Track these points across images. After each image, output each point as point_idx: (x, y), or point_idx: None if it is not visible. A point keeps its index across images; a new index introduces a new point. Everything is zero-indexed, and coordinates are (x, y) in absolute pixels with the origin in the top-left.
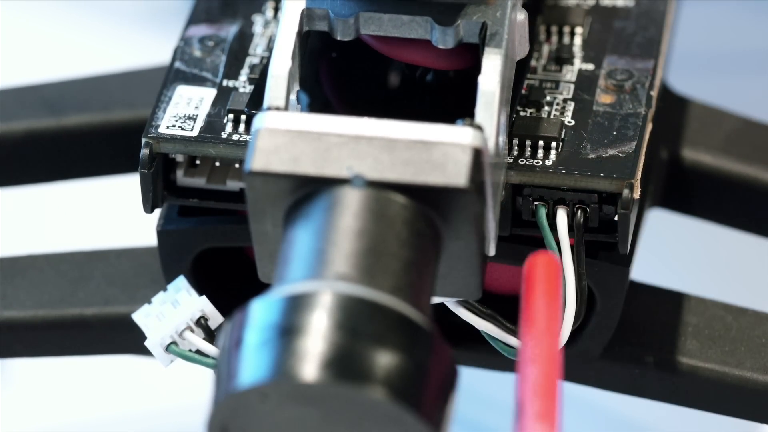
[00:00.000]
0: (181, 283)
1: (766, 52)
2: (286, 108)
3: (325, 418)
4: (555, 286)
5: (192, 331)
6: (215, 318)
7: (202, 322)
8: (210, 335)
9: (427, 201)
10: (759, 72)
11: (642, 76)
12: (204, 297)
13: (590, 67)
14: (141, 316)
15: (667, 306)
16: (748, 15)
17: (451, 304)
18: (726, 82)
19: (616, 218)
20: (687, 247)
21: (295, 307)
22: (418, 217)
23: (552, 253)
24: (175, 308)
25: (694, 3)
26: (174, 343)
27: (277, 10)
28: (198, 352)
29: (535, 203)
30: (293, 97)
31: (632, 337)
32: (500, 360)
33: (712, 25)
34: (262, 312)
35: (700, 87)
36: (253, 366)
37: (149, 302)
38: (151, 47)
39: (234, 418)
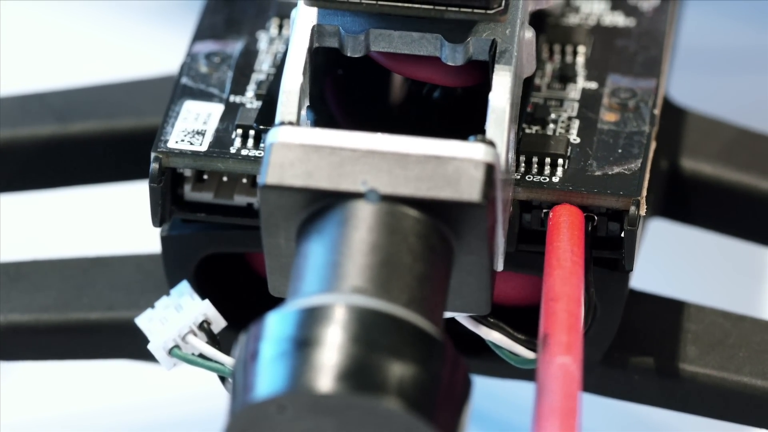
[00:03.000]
0: (184, 287)
1: (766, 52)
2: (298, 123)
3: (340, 430)
4: (579, 232)
5: (195, 335)
6: (218, 322)
7: (205, 326)
8: (213, 339)
9: (441, 215)
10: (759, 72)
11: (645, 95)
12: (207, 301)
13: (594, 85)
14: (144, 320)
15: (666, 313)
16: (748, 15)
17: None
18: (726, 82)
19: (622, 234)
20: (686, 256)
21: (311, 320)
22: (432, 232)
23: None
24: (178, 312)
25: (693, 3)
26: (177, 346)
27: (281, 27)
28: (201, 355)
29: (545, 212)
30: (304, 112)
31: (632, 343)
32: (503, 366)
33: (712, 25)
34: (277, 325)
35: (700, 87)
36: (269, 378)
37: (152, 307)
38: (157, 54)
39: (250, 430)
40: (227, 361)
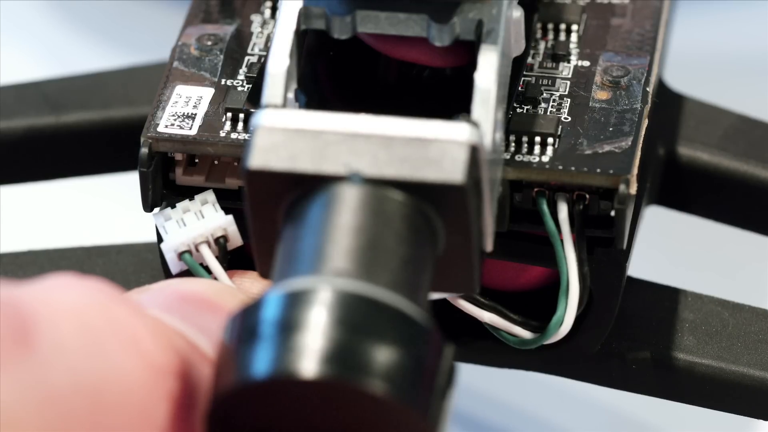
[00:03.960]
0: (209, 196)
1: (766, 52)
2: (284, 106)
3: (324, 413)
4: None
5: (209, 246)
6: (235, 241)
7: (220, 241)
8: (224, 256)
9: (425, 197)
10: (759, 72)
11: (638, 73)
12: (231, 216)
13: (586, 63)
14: (161, 218)
15: (664, 302)
16: (748, 15)
17: (452, 297)
18: (725, 82)
19: (612, 214)
20: (684, 244)
21: (294, 304)
22: (416, 213)
23: None
24: (198, 220)
25: (693, 3)
26: (189, 252)
27: (274, 10)
28: (206, 269)
29: (536, 190)
30: (291, 95)
31: (629, 333)
32: (499, 355)
33: (712, 25)
34: (261, 308)
35: (699, 87)
36: (252, 362)
37: (172, 206)
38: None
39: (233, 413)
40: (228, 284)
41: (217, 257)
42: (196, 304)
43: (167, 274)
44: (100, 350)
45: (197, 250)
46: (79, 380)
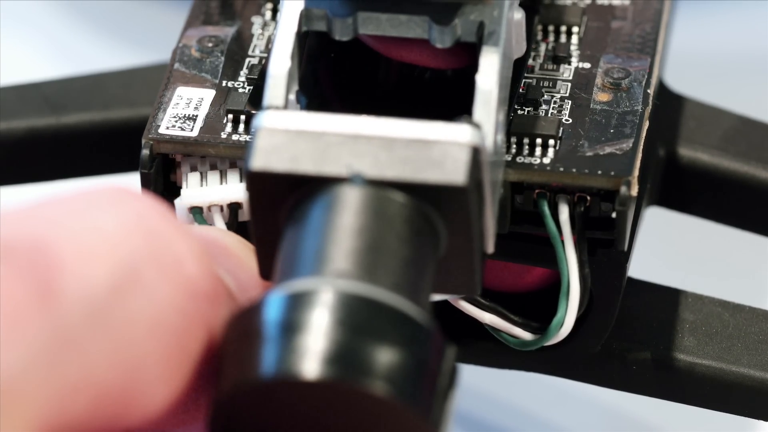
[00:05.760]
0: (237, 172)
1: (765, 53)
2: (285, 107)
3: (326, 414)
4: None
5: (221, 210)
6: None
7: (234, 208)
8: (232, 223)
9: (426, 198)
10: (759, 73)
11: (639, 74)
12: None
13: (587, 65)
14: (187, 165)
15: (664, 303)
16: (748, 15)
17: (453, 299)
18: (725, 82)
19: (613, 215)
20: (684, 245)
21: (297, 305)
22: (417, 215)
23: None
24: (221, 184)
25: (693, 3)
26: (200, 209)
27: (275, 11)
28: None
29: (537, 192)
30: (292, 96)
31: (630, 334)
32: (500, 356)
33: (711, 25)
34: (263, 309)
35: (699, 88)
36: (255, 363)
37: (203, 156)
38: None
39: (235, 414)
40: None
41: (226, 223)
42: (218, 248)
43: None
44: (135, 285)
45: (210, 210)
46: (105, 330)
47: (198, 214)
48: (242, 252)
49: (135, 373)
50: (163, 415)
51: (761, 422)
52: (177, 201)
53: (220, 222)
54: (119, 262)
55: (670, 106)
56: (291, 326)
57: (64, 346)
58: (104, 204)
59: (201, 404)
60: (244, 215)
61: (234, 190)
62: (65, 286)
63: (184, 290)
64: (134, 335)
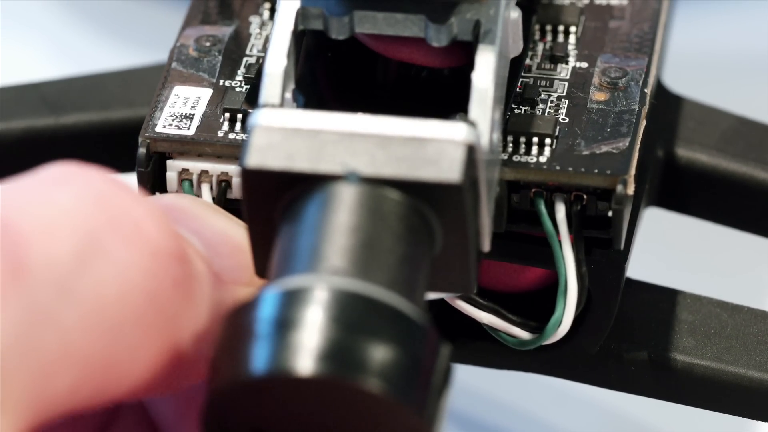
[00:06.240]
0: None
1: (765, 52)
2: (281, 105)
3: (320, 411)
4: None
5: (210, 187)
6: (238, 193)
7: (223, 185)
8: (219, 201)
9: (421, 196)
10: (757, 73)
11: (636, 74)
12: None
13: (584, 65)
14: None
15: (662, 303)
16: (747, 15)
17: (451, 298)
18: (723, 83)
19: (610, 214)
20: (682, 246)
21: (291, 302)
22: (412, 213)
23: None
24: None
25: (691, 3)
26: (191, 181)
27: (273, 11)
28: None
29: (534, 190)
30: (288, 95)
31: (628, 334)
32: (498, 356)
33: (710, 26)
34: (257, 306)
35: (698, 89)
36: (249, 359)
37: (199, 155)
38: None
39: (229, 411)
40: None
41: (214, 198)
42: (177, 211)
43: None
44: (98, 253)
45: (201, 180)
46: (76, 300)
47: (186, 184)
48: (203, 211)
49: (113, 339)
50: (148, 382)
51: (760, 423)
52: (169, 162)
53: (206, 196)
54: (79, 231)
55: (668, 107)
56: (285, 323)
57: (40, 321)
58: (59, 181)
59: (186, 367)
60: (234, 192)
61: (226, 164)
62: (32, 262)
63: (147, 251)
64: (105, 301)
